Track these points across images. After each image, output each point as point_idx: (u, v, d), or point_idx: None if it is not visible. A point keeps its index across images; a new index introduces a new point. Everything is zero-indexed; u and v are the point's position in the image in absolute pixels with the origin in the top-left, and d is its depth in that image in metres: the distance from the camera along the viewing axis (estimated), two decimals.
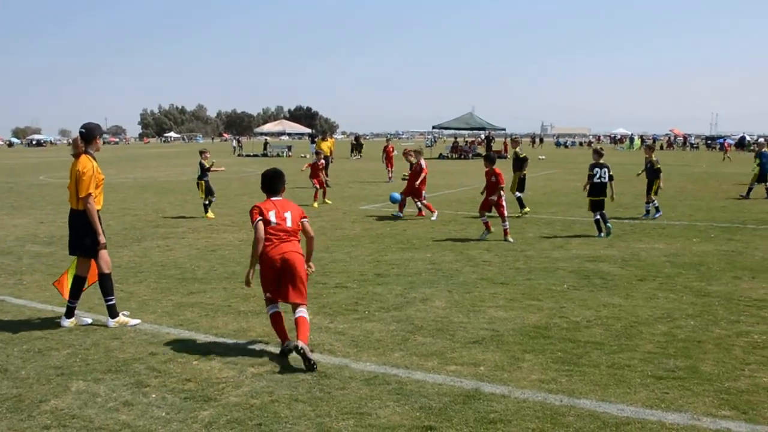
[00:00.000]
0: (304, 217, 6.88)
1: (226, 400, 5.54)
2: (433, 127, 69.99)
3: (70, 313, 7.74)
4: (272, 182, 6.91)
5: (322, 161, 22.57)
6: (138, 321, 7.79)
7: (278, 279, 6.59)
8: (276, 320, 6.71)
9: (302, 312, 6.57)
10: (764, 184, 22.79)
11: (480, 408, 5.34)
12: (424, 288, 9.46)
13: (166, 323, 7.83)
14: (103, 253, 7.63)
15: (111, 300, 7.67)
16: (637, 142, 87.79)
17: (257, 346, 6.96)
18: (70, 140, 9.59)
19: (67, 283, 7.81)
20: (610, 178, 14.24)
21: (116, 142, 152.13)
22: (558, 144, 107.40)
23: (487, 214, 14.11)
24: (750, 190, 22.95)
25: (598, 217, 14.04)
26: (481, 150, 58.37)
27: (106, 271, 7.65)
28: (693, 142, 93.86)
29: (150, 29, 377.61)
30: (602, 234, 13.92)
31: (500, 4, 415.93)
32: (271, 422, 5.12)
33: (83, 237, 7.57)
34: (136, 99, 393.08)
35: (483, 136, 63.07)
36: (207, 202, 17.70)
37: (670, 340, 7.10)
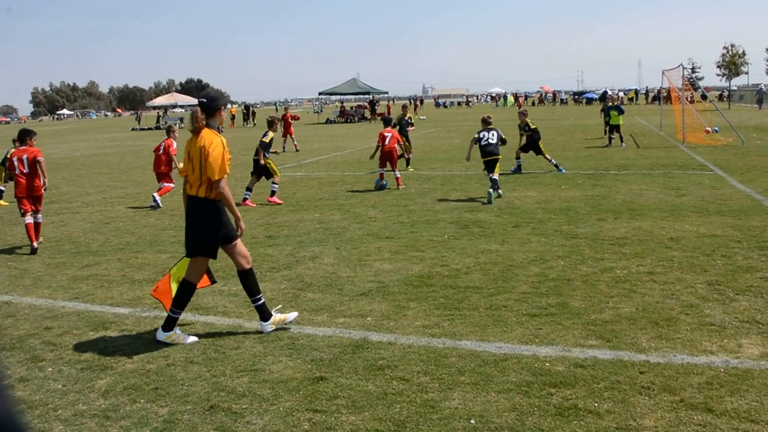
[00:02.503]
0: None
1: (123, 368, 5.36)
2: (320, 94, 69.55)
3: (169, 325, 5.93)
4: None
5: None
6: (295, 314, 6.25)
7: None
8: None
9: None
10: (617, 133, 23.90)
11: (368, 356, 5.36)
12: (313, 246, 9.40)
13: (62, 297, 7.49)
14: (240, 246, 6.17)
15: (259, 299, 6.08)
16: (510, 99, 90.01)
17: (153, 313, 6.75)
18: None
19: (170, 290, 6.13)
20: (503, 141, 13.84)
21: (7, 122, 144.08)
22: (437, 105, 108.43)
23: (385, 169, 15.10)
24: (611, 139, 24.06)
25: (493, 176, 13.30)
26: (367, 114, 58.47)
27: (247, 266, 6.11)
28: (563, 98, 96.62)
29: (37, 4, 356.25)
30: (493, 193, 12.90)
31: None
32: (168, 385, 4.99)
33: (210, 231, 5.94)
34: (24, 77, 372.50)
35: (368, 101, 63.08)
36: None
37: (542, 280, 7.30)
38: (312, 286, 7.43)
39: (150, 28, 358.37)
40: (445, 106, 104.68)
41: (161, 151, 14.23)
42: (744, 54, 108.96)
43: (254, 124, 57.24)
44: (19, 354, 5.77)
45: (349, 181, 16.66)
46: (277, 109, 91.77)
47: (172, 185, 14.08)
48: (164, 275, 6.44)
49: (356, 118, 58.54)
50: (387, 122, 16.11)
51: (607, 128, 24.47)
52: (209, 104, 5.92)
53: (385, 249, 9.07)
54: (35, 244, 9.86)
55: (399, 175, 15.12)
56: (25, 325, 6.54)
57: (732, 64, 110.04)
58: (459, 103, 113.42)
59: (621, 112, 24.03)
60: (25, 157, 10.02)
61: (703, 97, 36.33)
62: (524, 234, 9.67)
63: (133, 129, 63.08)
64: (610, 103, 25.04)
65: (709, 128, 26.45)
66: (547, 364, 5.06)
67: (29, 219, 9.97)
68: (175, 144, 14.16)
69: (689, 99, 28.13)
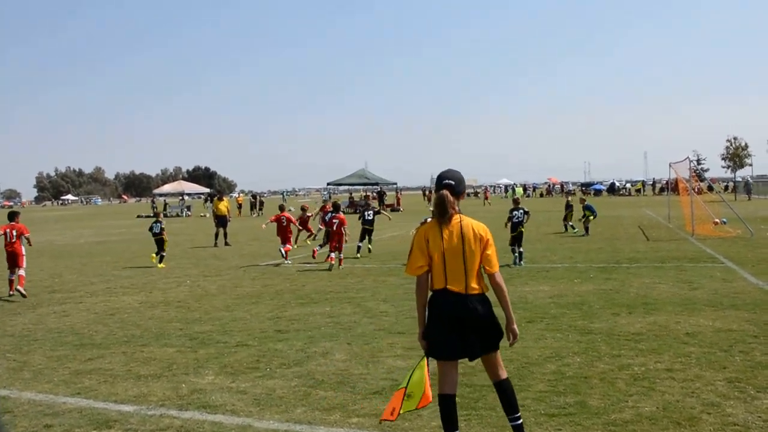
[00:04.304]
0: None
1: None
2: (328, 184, 70.22)
3: None
4: None
5: (309, 215, 25.79)
6: None
7: None
8: None
9: None
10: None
11: None
12: (324, 342, 9.26)
13: (63, 392, 7.32)
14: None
15: (518, 418, 5.16)
16: (519, 190, 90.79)
17: (158, 411, 6.59)
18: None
19: (413, 405, 4.97)
20: (526, 213, 18.09)
21: (11, 206, 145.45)
22: None
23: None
24: (587, 228, 25.74)
25: (517, 248, 17.36)
26: (375, 204, 58.73)
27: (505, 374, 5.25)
28: (570, 189, 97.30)
29: (41, 87, 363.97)
30: (518, 262, 17.11)
31: (386, 68, 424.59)
32: None
33: (493, 331, 5.10)
34: (30, 162, 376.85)
35: (376, 192, 63.60)
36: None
37: (559, 378, 7.16)
38: (324, 384, 7.28)
39: (157, 115, 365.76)
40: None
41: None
42: (747, 146, 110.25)
43: (261, 213, 57.60)
44: None
45: (359, 273, 16.60)
46: (284, 198, 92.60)
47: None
48: (396, 394, 5.12)
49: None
50: (336, 208, 19.74)
51: (583, 219, 26.19)
52: (457, 187, 5.20)
53: (397, 345, 8.93)
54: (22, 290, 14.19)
55: (342, 257, 18.11)
56: (23, 422, 6.35)
57: (736, 156, 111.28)
58: (468, 194, 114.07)
59: (590, 210, 26.14)
60: (15, 231, 14.78)
61: (710, 188, 36.55)
62: (539, 330, 9.54)
63: (138, 216, 63.58)
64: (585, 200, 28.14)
65: (717, 220, 26.50)
66: None
67: (13, 276, 14.49)
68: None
69: (697, 191, 28.27)
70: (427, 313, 5.17)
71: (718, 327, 9.29)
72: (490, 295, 5.10)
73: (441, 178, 5.23)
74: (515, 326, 5.18)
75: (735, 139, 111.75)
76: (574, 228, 27.09)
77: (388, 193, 69.82)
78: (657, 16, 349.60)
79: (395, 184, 71.18)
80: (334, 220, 18.74)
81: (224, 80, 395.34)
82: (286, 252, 19.73)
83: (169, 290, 14.39)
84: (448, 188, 5.13)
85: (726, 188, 67.51)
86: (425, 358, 5.08)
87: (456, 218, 5.09)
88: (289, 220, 20.44)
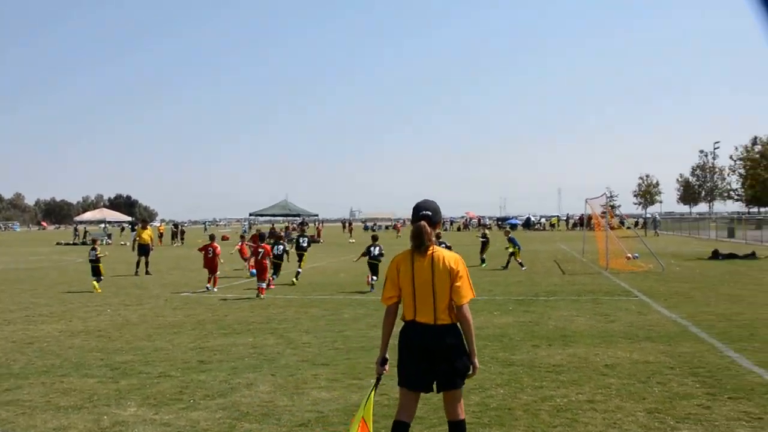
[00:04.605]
0: None
1: None
2: (250, 214, 69.52)
3: None
4: None
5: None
6: None
7: None
8: None
9: None
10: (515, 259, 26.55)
11: None
12: (248, 373, 9.14)
13: None
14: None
15: None
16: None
17: None
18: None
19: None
20: (448, 246, 17.40)
21: None
22: (366, 228, 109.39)
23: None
24: (508, 262, 26.72)
25: None
26: (295, 235, 58.51)
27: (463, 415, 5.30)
28: (486, 223, 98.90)
29: None
30: None
31: (309, 101, 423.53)
32: None
33: (461, 362, 5.10)
34: None
35: (297, 223, 63.28)
36: None
37: (483, 409, 7.24)
38: (249, 416, 7.17)
39: (80, 142, 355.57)
40: (373, 230, 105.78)
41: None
42: (658, 184, 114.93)
43: (182, 242, 56.68)
44: None
45: (280, 304, 16.44)
46: (206, 229, 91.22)
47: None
48: (357, 422, 5.00)
49: (286, 241, 58.50)
50: (261, 238, 20.23)
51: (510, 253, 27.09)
52: (434, 217, 5.23)
53: (321, 376, 8.88)
54: None
55: (263, 286, 18.26)
56: None
57: (647, 193, 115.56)
58: (387, 227, 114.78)
59: (514, 243, 26.86)
60: None
61: (621, 223, 37.78)
62: None
63: (58, 243, 61.72)
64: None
65: (629, 254, 27.40)
66: None
67: None
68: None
69: (611, 226, 29.22)
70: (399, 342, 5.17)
71: (636, 359, 9.58)
72: None
73: (418, 208, 5.23)
74: (476, 360, 5.20)
75: (647, 176, 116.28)
76: (484, 263, 27.92)
77: (309, 225, 69.62)
78: (568, 54, 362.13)
79: (317, 215, 71.17)
80: (258, 250, 18.95)
81: (148, 111, 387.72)
82: (213, 282, 19.81)
83: (90, 319, 13.97)
84: (426, 219, 5.14)
85: (636, 224, 70.01)
86: (373, 389, 5.11)
87: (429, 249, 5.09)
88: (215, 251, 20.26)
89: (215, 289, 19.54)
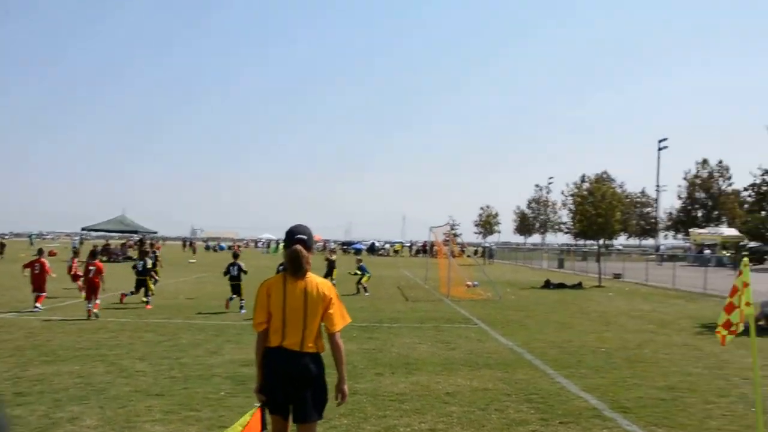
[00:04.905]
0: None
1: None
2: (83, 229, 66.03)
3: None
4: None
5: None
6: None
7: None
8: None
9: None
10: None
11: None
12: (73, 405, 8.38)
13: None
14: None
15: None
16: (280, 247, 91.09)
17: None
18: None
19: None
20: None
21: None
22: (207, 248, 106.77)
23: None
24: (359, 289, 26.10)
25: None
26: (133, 253, 56.19)
27: None
28: (332, 247, 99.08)
29: None
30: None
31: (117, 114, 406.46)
32: None
33: (322, 392, 5.00)
34: None
35: (136, 240, 60.84)
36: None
37: None
38: None
39: None
40: (215, 250, 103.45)
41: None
42: (497, 214, 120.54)
43: (2, 257, 52.85)
44: None
45: (112, 328, 15.43)
46: (32, 243, 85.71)
47: None
48: None
49: (120, 258, 55.91)
50: (93, 255, 18.91)
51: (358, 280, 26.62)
52: (309, 242, 5.11)
53: (156, 408, 8.30)
54: None
55: (90, 307, 17.10)
56: None
57: (487, 223, 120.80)
58: (230, 247, 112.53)
59: (363, 271, 26.55)
60: None
61: (462, 251, 38.96)
62: None
63: None
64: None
65: (469, 282, 28.18)
66: None
67: None
68: None
69: (453, 254, 29.97)
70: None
71: (476, 386, 9.72)
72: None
73: (292, 233, 5.09)
74: (346, 387, 5.13)
75: (487, 207, 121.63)
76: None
77: (148, 242, 67.02)
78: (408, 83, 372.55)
79: (155, 232, 68.69)
80: (90, 267, 18.05)
81: None
82: (39, 300, 18.55)
83: None
84: (301, 243, 5.02)
85: (476, 252, 72.64)
86: (255, 411, 4.82)
87: (309, 276, 5.03)
88: (43, 267, 18.87)
89: (40, 307, 18.28)
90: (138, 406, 8.43)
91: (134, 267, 21.44)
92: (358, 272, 26.60)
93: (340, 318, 5.05)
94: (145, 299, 20.20)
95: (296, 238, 5.04)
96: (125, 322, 16.38)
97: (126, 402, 8.62)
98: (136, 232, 62.05)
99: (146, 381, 9.92)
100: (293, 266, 4.94)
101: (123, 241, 71.90)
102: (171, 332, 14.75)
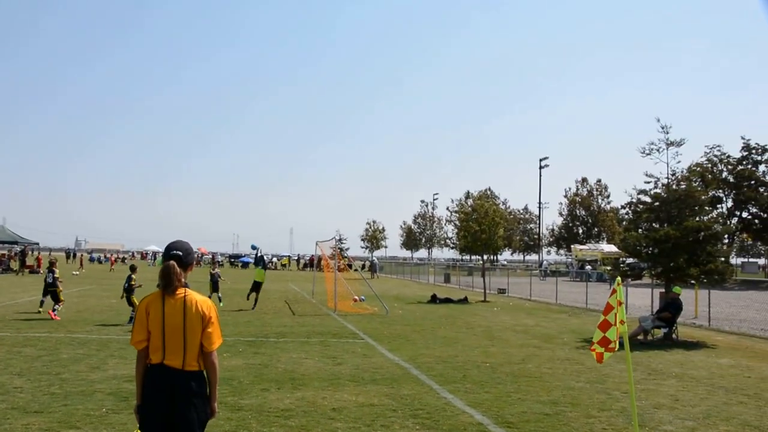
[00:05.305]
0: None
1: None
2: None
3: None
4: None
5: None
6: None
7: None
8: None
9: None
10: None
11: None
12: None
13: None
14: None
15: None
16: (158, 260, 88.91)
17: None
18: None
19: None
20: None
21: None
22: (92, 259, 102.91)
23: None
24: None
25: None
26: (14, 264, 53.66)
27: None
28: (219, 260, 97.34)
29: None
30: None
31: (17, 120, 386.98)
32: None
33: (203, 411, 4.91)
34: None
35: (17, 251, 58.04)
36: None
37: None
38: None
39: None
40: (100, 262, 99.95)
41: None
42: (384, 229, 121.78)
43: None
44: None
45: None
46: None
47: None
48: None
49: (0, 269, 53.29)
50: None
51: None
52: (185, 258, 5.04)
53: (34, 426, 8.04)
54: None
55: None
56: None
57: (374, 237, 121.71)
58: (115, 260, 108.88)
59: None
60: None
61: (349, 266, 39.24)
62: None
63: None
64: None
65: (356, 297, 28.41)
66: None
67: None
68: None
69: (340, 268, 30.12)
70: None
71: (362, 402, 9.84)
72: None
73: (169, 248, 5.05)
74: (216, 405, 5.06)
75: (374, 222, 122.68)
76: (221, 301, 26.40)
77: (31, 253, 64.07)
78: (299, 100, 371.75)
79: (37, 243, 65.82)
80: None
81: None
82: None
83: None
84: (176, 259, 4.97)
85: (363, 267, 73.10)
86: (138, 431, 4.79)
87: (181, 291, 4.92)
88: None
89: None
90: (15, 424, 8.14)
91: (45, 279, 21.30)
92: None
93: (217, 337, 5.01)
94: (53, 310, 20.02)
95: (171, 254, 5.03)
96: (2, 337, 15.68)
97: (2, 420, 8.30)
98: (16, 242, 59.29)
99: (24, 398, 9.57)
100: (164, 281, 4.93)
101: (3, 252, 68.51)
102: (51, 347, 14.24)
